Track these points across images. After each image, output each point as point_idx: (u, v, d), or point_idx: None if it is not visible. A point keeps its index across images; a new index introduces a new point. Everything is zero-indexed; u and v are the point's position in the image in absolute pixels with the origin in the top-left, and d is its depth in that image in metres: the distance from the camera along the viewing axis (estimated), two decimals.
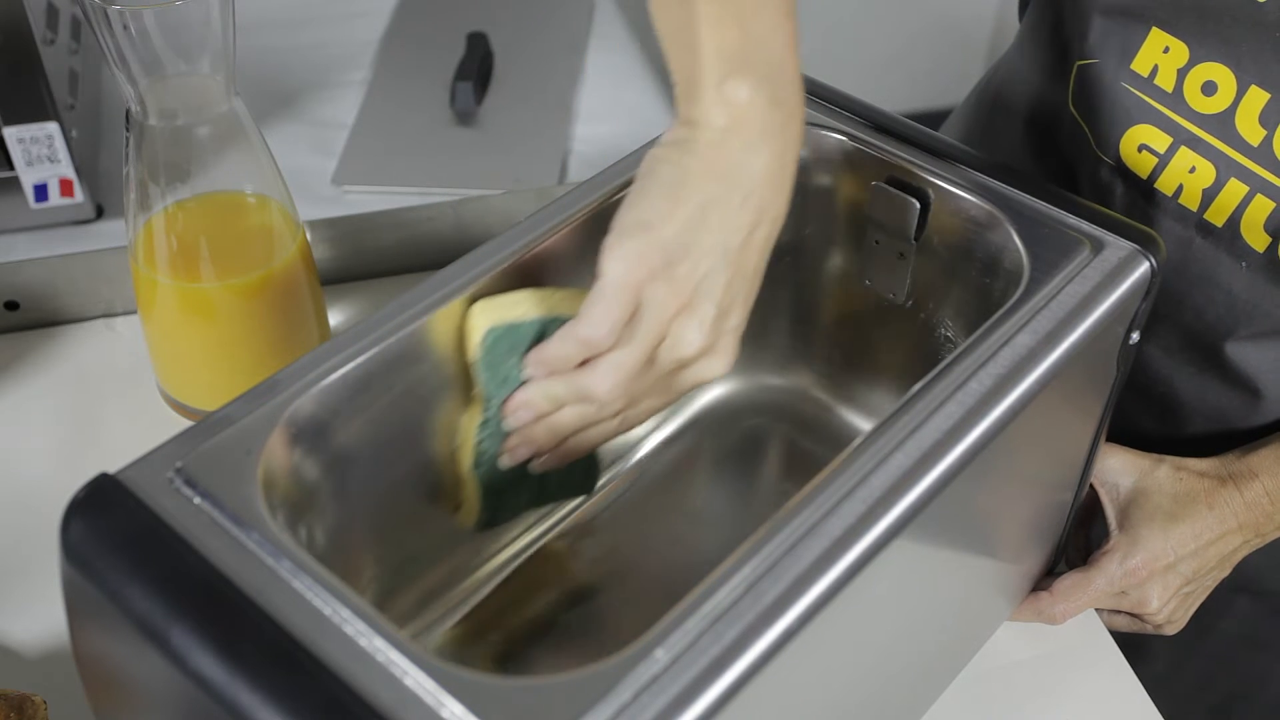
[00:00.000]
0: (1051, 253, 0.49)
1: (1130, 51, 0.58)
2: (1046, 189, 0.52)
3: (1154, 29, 0.57)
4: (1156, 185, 0.59)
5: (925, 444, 0.42)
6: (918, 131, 0.55)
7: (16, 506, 0.63)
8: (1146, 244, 0.50)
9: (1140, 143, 0.59)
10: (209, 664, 0.35)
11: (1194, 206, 0.58)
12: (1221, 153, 0.56)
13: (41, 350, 0.71)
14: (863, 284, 0.59)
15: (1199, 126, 0.57)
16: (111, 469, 0.41)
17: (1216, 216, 0.58)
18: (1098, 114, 0.61)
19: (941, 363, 0.45)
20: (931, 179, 0.53)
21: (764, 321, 0.61)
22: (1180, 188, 0.58)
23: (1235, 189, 0.57)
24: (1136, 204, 0.61)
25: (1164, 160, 0.58)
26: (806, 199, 0.58)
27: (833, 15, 2.05)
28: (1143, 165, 0.59)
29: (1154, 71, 0.58)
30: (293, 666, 0.35)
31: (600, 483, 0.60)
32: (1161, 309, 0.62)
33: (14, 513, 0.62)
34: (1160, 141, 0.58)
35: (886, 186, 0.55)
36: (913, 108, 2.24)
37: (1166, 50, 0.57)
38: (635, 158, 0.54)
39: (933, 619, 0.51)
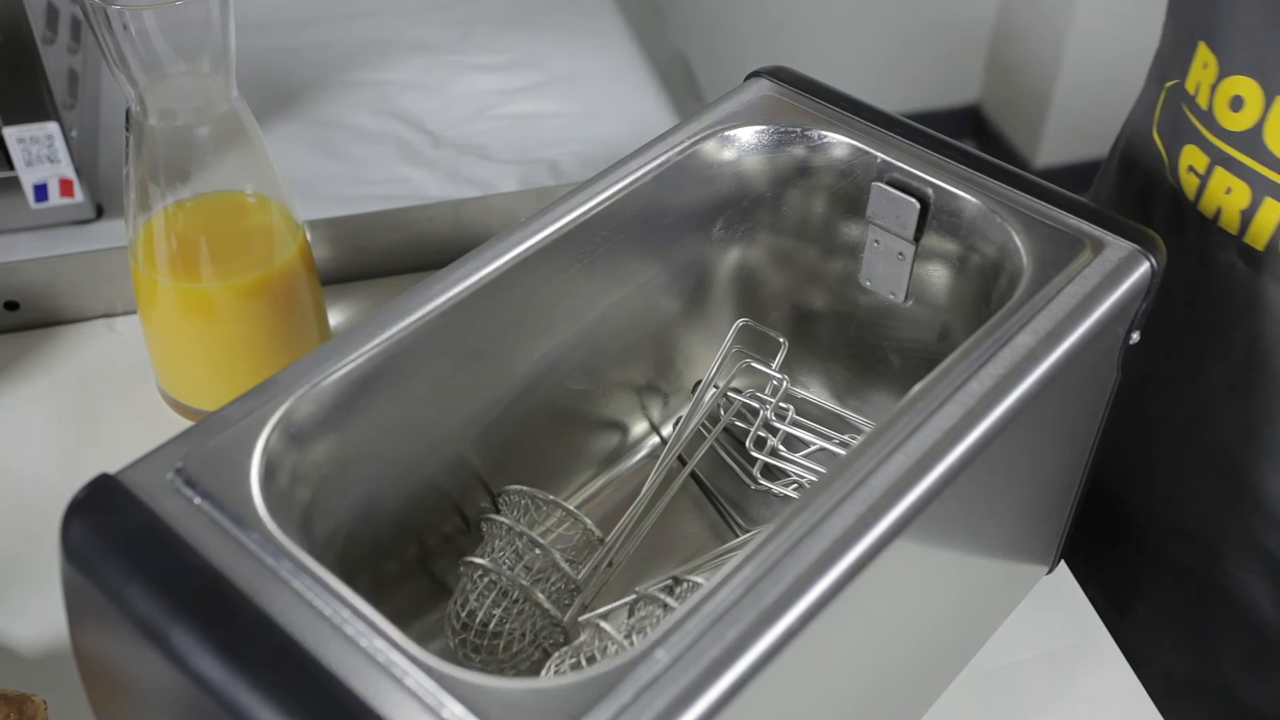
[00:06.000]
0: (1051, 253, 0.49)
1: (1185, 69, 0.57)
2: (1046, 189, 0.52)
3: (1201, 43, 0.56)
4: (1199, 208, 0.57)
5: (925, 444, 0.42)
6: (918, 131, 0.55)
7: (16, 506, 0.63)
8: (1146, 244, 0.50)
9: (1189, 164, 0.57)
10: (209, 664, 0.35)
11: (1234, 230, 0.56)
12: (1254, 171, 0.54)
13: (41, 350, 0.71)
14: (863, 284, 0.59)
15: (1229, 144, 0.55)
16: (111, 469, 0.41)
17: (1256, 240, 0.56)
18: (1171, 136, 0.59)
19: (941, 363, 0.45)
20: (931, 179, 0.53)
21: (764, 322, 0.61)
22: (1219, 210, 0.56)
23: (1271, 209, 0.54)
24: (1189, 229, 0.59)
25: (1204, 181, 0.56)
26: (806, 199, 0.58)
27: (833, 15, 2.05)
28: (1190, 187, 0.58)
29: (1197, 89, 0.56)
30: (293, 667, 0.35)
31: (603, 483, 0.60)
32: (1211, 345, 0.60)
33: (14, 513, 0.62)
34: (1200, 162, 0.56)
35: (886, 187, 0.55)
36: (913, 108, 2.24)
37: (1205, 66, 0.55)
38: (635, 158, 0.54)
39: (933, 619, 0.51)
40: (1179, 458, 0.66)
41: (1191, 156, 0.57)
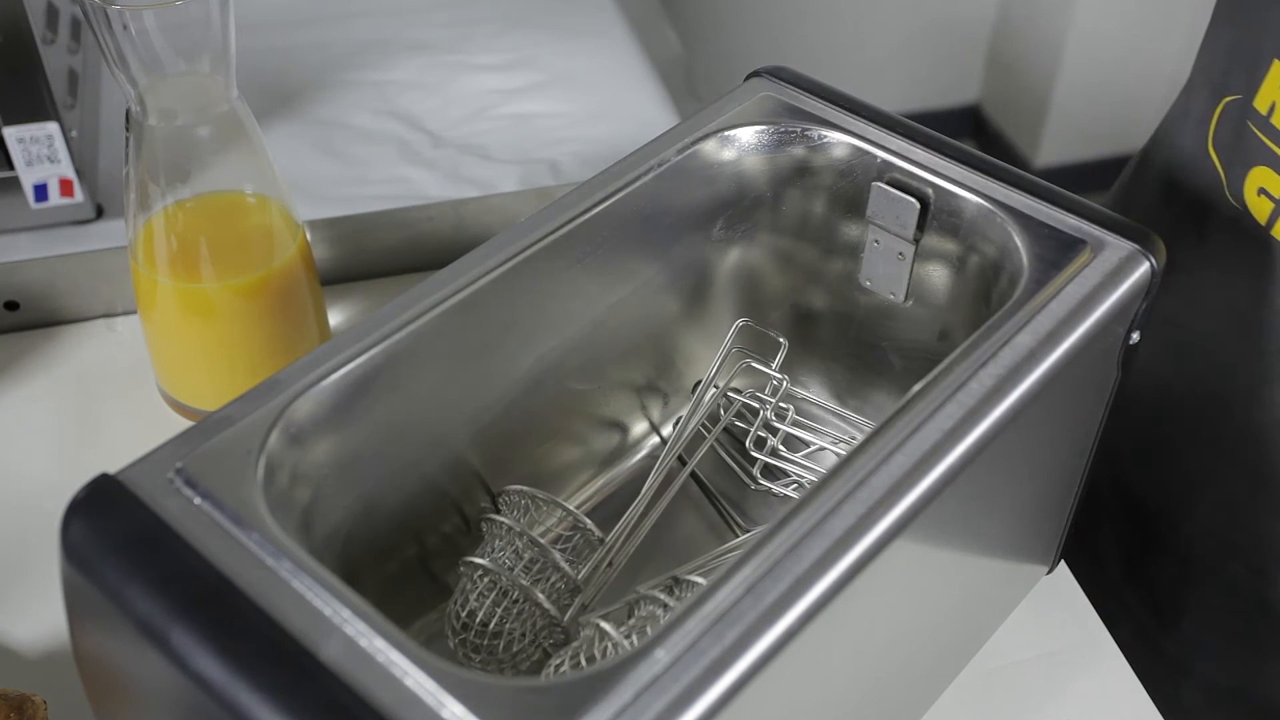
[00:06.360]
0: (1051, 253, 0.49)
1: (1254, 87, 0.55)
2: (1047, 189, 0.52)
3: (1276, 62, 0.54)
4: (1274, 233, 0.55)
5: (926, 444, 0.42)
6: (918, 131, 0.55)
7: (16, 506, 0.63)
8: (1146, 244, 0.50)
9: (1259, 186, 0.55)
10: (209, 664, 0.35)
11: None
12: None
13: (41, 350, 0.71)
14: (863, 284, 0.59)
15: None
16: (111, 469, 0.41)
17: None
18: (1232, 154, 0.57)
19: (941, 363, 0.45)
20: (931, 179, 0.53)
21: (764, 322, 0.61)
22: None
23: None
24: (1257, 253, 0.57)
25: None
26: (806, 199, 0.58)
27: (833, 15, 2.05)
28: (1261, 211, 0.56)
29: (1271, 109, 0.54)
30: (293, 666, 0.35)
31: (603, 483, 0.60)
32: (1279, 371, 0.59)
33: (14, 513, 0.62)
34: (1276, 185, 0.55)
35: (886, 187, 0.55)
36: (913, 108, 2.24)
37: None
38: (635, 158, 0.54)
39: (933, 619, 0.51)
40: (1239, 479, 0.65)
41: (1263, 179, 0.55)
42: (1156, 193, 0.67)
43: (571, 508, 0.53)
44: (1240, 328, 0.62)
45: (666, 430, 0.62)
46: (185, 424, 0.44)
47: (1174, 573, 0.70)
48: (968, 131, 2.32)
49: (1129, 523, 0.72)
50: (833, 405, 0.63)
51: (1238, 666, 0.69)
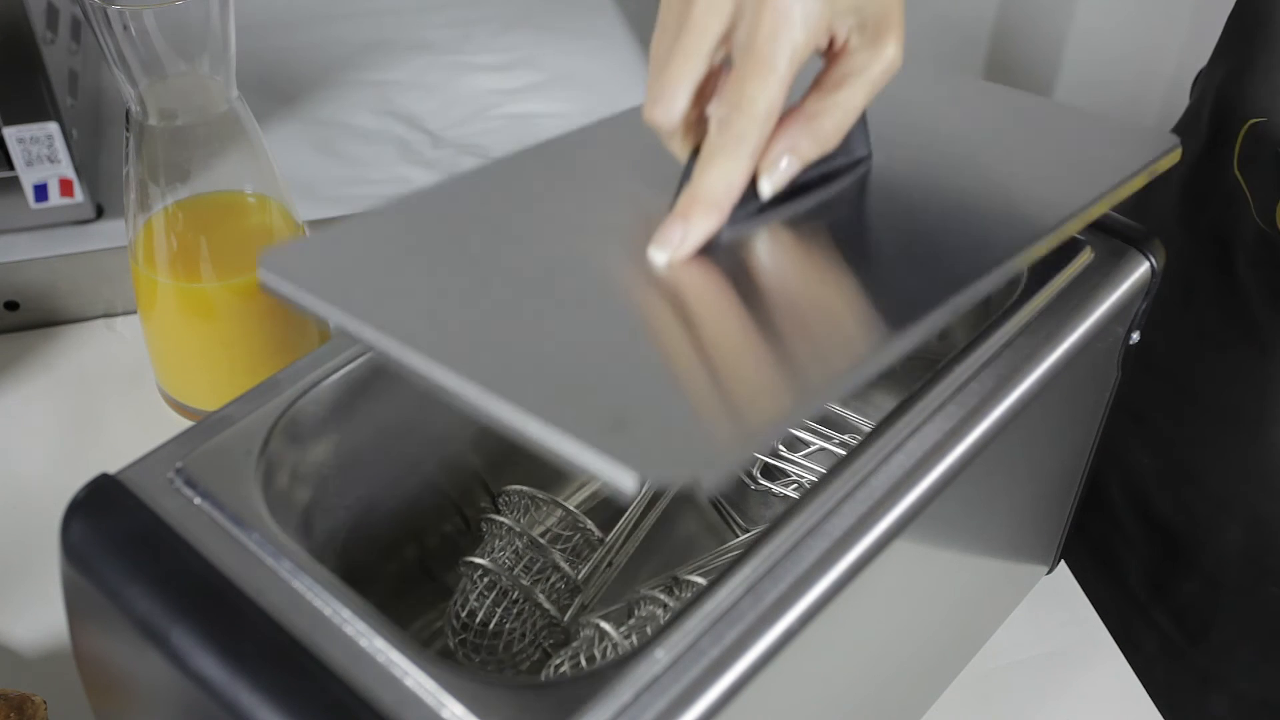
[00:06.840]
0: (1051, 253, 0.49)
1: None
2: None
3: None
4: None
5: (926, 445, 0.42)
6: None
7: (16, 506, 0.63)
8: (1146, 244, 0.50)
9: None
10: (209, 664, 0.35)
11: None
12: None
13: (41, 350, 0.71)
14: None
15: None
16: (111, 469, 0.41)
17: None
18: (1262, 178, 0.57)
19: (941, 363, 0.45)
20: None
21: None
22: None
23: None
24: None
25: None
26: None
27: None
28: None
29: None
30: (293, 666, 0.35)
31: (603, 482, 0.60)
32: None
33: (14, 513, 0.62)
34: None
35: None
36: None
37: None
38: None
39: (933, 619, 0.51)
40: (1269, 503, 0.65)
41: None
42: (1173, 211, 0.66)
43: (571, 508, 0.53)
44: (1268, 349, 0.61)
45: None
46: (185, 424, 0.44)
47: (1203, 593, 0.69)
48: None
49: (1154, 545, 0.71)
50: (833, 405, 0.63)
51: (1270, 679, 0.69)
